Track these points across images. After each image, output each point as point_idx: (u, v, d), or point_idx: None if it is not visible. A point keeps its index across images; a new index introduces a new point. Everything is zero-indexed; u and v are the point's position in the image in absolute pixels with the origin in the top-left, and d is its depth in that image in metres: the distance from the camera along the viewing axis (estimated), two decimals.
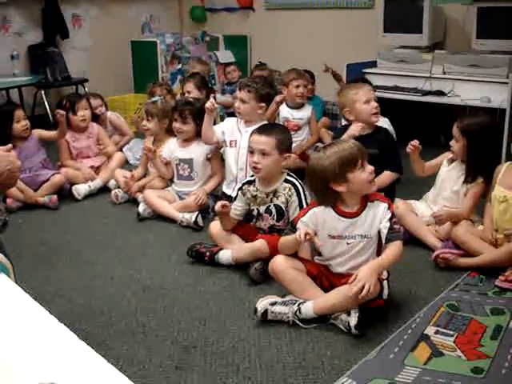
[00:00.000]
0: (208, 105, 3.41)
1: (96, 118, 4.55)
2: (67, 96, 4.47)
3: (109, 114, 4.97)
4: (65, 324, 0.99)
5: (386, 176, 3.26)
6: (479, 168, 3.04)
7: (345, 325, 2.27)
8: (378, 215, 2.37)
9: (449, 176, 3.16)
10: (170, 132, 3.85)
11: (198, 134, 3.65)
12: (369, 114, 3.28)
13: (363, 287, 2.18)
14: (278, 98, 3.99)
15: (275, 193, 2.84)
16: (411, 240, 3.05)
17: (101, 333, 2.32)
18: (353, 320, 2.25)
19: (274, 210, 2.85)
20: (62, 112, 4.05)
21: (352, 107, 3.30)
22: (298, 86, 4.34)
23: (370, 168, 2.34)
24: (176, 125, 3.68)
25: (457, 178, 3.12)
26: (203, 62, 6.16)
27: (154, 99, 4.18)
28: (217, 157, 3.75)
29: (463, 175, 3.08)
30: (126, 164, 4.54)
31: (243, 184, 2.95)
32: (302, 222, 2.40)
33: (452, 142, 3.11)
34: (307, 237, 2.26)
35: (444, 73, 4.70)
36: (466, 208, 3.03)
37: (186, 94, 4.59)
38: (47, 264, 3.01)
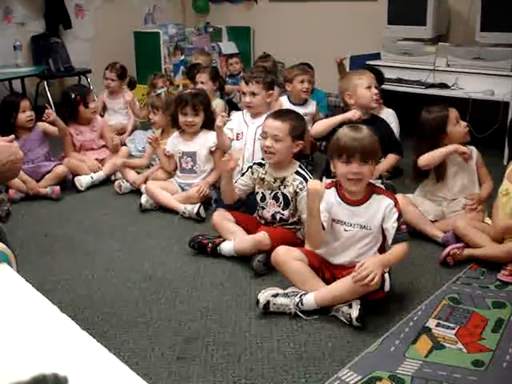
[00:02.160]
0: (219, 122, 3.39)
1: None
2: (73, 89, 4.41)
3: (126, 89, 5.18)
4: (67, 314, 1.00)
5: (391, 158, 3.49)
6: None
7: (346, 317, 2.28)
8: (380, 210, 2.37)
9: (456, 168, 3.15)
10: (176, 125, 3.80)
11: (202, 126, 3.65)
12: (369, 99, 3.34)
13: (367, 276, 2.19)
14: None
15: (283, 181, 2.83)
16: (413, 233, 3.04)
17: (103, 323, 2.33)
18: (354, 312, 2.25)
19: (281, 198, 2.84)
20: (51, 112, 4.04)
21: (354, 91, 3.36)
22: (302, 81, 4.32)
23: (353, 167, 2.32)
24: (188, 119, 3.62)
25: (462, 167, 3.13)
26: (205, 53, 6.15)
27: (158, 92, 4.18)
28: (220, 150, 3.74)
29: (463, 161, 3.12)
30: (129, 156, 4.53)
31: (254, 164, 2.95)
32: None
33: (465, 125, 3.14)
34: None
35: (448, 65, 4.68)
36: (488, 177, 3.14)
37: (200, 85, 4.58)
38: (49, 254, 3.01)
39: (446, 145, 3.07)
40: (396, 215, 2.36)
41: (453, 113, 3.11)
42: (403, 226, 2.38)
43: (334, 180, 2.47)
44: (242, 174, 2.96)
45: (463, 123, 3.12)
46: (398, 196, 3.08)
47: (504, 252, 2.69)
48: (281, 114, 2.88)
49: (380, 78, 4.26)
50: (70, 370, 0.73)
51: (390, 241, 2.37)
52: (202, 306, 2.46)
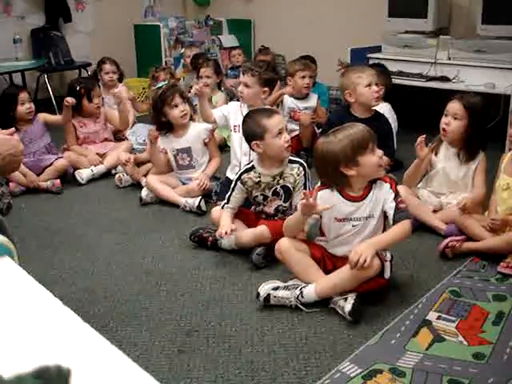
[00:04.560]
0: (193, 91, 3.41)
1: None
2: (79, 82, 4.39)
3: (121, 84, 5.03)
4: (68, 307, 1.00)
5: None
6: (480, 144, 3.08)
7: (342, 310, 2.28)
8: (381, 196, 2.38)
9: (450, 165, 3.14)
10: (163, 127, 3.68)
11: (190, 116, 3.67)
12: (369, 97, 3.33)
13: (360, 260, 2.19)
14: (286, 91, 4.02)
15: (282, 174, 2.81)
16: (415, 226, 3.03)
17: (104, 316, 2.34)
18: (347, 306, 2.25)
19: (281, 192, 2.82)
20: (71, 101, 4.04)
21: (353, 90, 3.35)
22: (303, 77, 4.31)
23: (379, 152, 2.34)
24: (181, 108, 3.56)
25: (459, 165, 3.11)
26: (195, 46, 6.16)
27: (158, 85, 4.17)
28: (213, 140, 3.74)
29: (463, 158, 3.09)
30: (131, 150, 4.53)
31: (241, 174, 2.85)
32: None
33: (447, 121, 3.07)
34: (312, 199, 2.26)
35: (449, 58, 4.66)
36: (481, 185, 3.05)
37: (205, 79, 4.63)
38: (50, 248, 3.02)
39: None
40: (392, 195, 2.36)
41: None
42: (401, 205, 2.36)
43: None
44: (232, 190, 2.87)
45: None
46: (400, 187, 3.09)
47: (505, 242, 2.69)
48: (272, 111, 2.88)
49: (387, 77, 4.25)
50: (73, 362, 0.73)
51: (390, 221, 2.37)
52: (203, 299, 2.46)
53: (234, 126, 3.49)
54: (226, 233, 2.72)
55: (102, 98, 4.74)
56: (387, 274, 2.35)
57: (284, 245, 2.47)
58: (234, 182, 2.89)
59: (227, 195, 2.90)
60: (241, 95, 3.48)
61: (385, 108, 3.95)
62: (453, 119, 3.06)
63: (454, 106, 3.08)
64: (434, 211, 3.12)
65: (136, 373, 0.80)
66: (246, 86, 3.43)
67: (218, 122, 3.54)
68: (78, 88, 4.21)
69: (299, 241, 2.51)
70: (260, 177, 2.82)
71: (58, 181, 3.87)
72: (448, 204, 3.11)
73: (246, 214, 2.99)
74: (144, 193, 3.62)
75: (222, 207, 2.92)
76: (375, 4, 5.27)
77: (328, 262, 2.46)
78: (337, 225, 2.43)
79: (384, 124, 3.45)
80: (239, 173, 2.89)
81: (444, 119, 3.10)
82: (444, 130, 3.09)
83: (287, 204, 2.85)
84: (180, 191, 3.57)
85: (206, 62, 4.88)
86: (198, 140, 3.66)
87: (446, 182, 3.16)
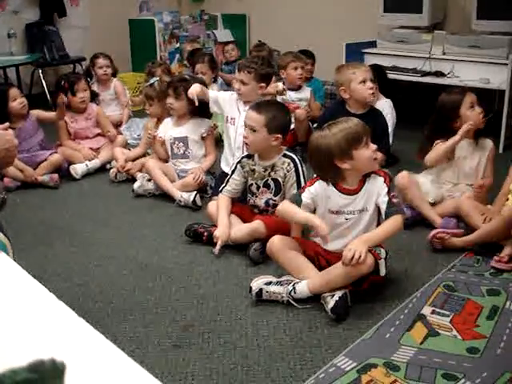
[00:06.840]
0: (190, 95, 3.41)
1: (95, 96, 4.53)
2: (65, 76, 4.42)
3: (115, 79, 5.08)
4: (63, 302, 1.00)
5: None
6: (488, 131, 3.16)
7: (326, 306, 2.27)
8: (375, 189, 2.39)
9: (466, 153, 3.15)
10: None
11: (191, 112, 3.65)
12: (363, 93, 3.32)
13: (354, 257, 2.18)
14: (279, 88, 4.02)
15: (273, 167, 2.83)
16: (411, 221, 3.03)
17: (99, 311, 2.34)
18: (330, 303, 2.24)
19: (272, 184, 2.85)
20: (65, 99, 4.05)
21: (348, 86, 3.35)
22: (296, 68, 4.31)
23: (373, 146, 2.35)
24: (169, 100, 3.66)
25: (472, 154, 3.14)
26: (195, 41, 6.15)
27: (150, 82, 4.16)
28: (211, 137, 3.75)
29: (475, 148, 3.12)
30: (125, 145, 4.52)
31: (242, 158, 2.96)
32: (309, 191, 2.42)
33: (480, 110, 3.10)
34: (321, 232, 2.27)
35: (444, 53, 4.67)
36: (490, 174, 3.12)
37: (200, 75, 4.61)
38: (46, 243, 3.01)
39: (458, 128, 3.05)
40: (386, 189, 2.37)
41: (469, 97, 3.10)
42: (394, 200, 2.39)
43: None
44: (232, 172, 2.95)
45: (478, 109, 3.09)
46: (404, 174, 3.09)
47: (495, 224, 2.71)
48: (260, 106, 2.86)
49: (382, 75, 4.25)
50: (68, 356, 0.73)
51: (383, 216, 2.38)
52: (198, 294, 2.47)
53: (231, 118, 3.48)
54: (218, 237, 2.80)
55: (98, 94, 4.74)
56: (383, 272, 2.35)
57: (275, 244, 2.47)
58: (234, 165, 2.97)
59: (227, 179, 2.97)
60: (238, 92, 3.47)
61: (385, 104, 3.95)
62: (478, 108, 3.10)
63: (474, 98, 3.12)
64: (433, 204, 3.11)
65: (131, 367, 0.80)
66: (243, 83, 3.42)
67: (210, 106, 3.51)
68: (62, 83, 4.21)
69: (291, 239, 2.51)
70: (255, 165, 2.88)
71: (56, 175, 3.86)
72: (448, 195, 3.11)
73: (241, 208, 2.99)
74: (136, 185, 3.63)
75: (221, 191, 2.96)
76: None
77: (322, 259, 2.46)
78: (331, 217, 2.42)
79: (379, 120, 3.44)
80: (240, 157, 2.99)
81: (477, 109, 3.09)
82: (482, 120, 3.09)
83: (277, 198, 2.85)
84: (176, 185, 3.57)
85: (201, 59, 4.87)
86: (195, 132, 3.68)
87: (460, 172, 3.15)
